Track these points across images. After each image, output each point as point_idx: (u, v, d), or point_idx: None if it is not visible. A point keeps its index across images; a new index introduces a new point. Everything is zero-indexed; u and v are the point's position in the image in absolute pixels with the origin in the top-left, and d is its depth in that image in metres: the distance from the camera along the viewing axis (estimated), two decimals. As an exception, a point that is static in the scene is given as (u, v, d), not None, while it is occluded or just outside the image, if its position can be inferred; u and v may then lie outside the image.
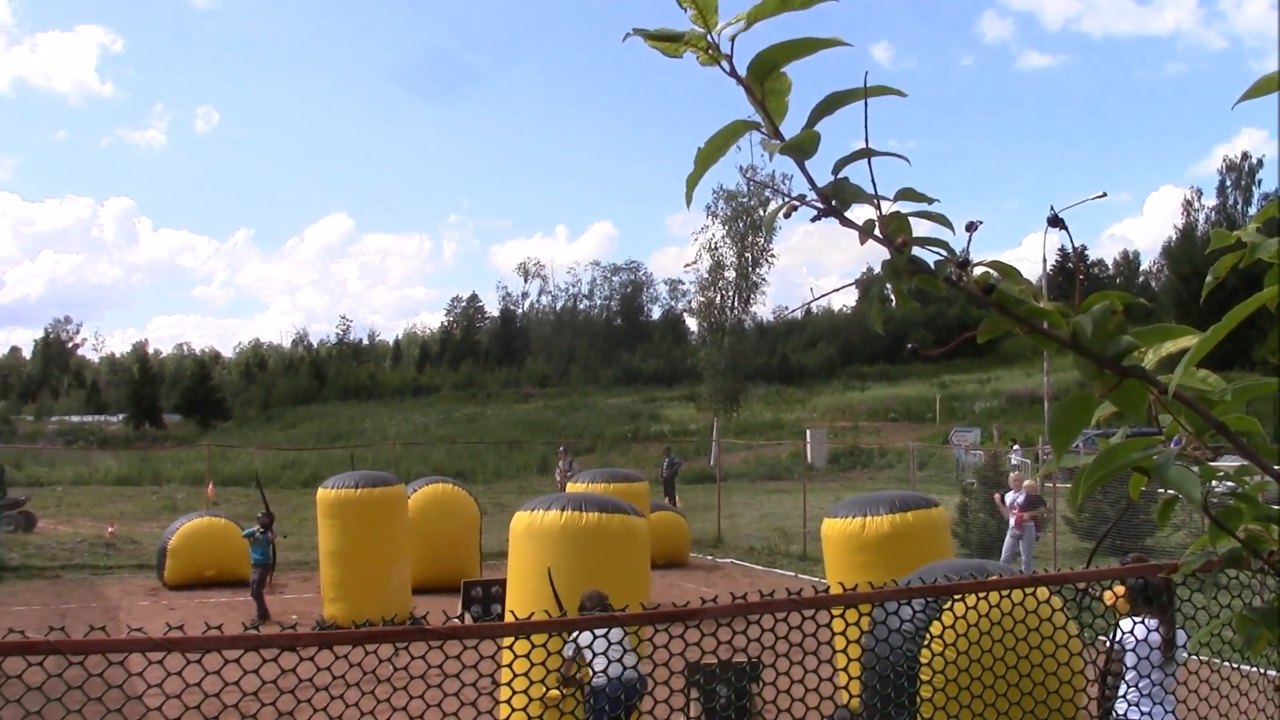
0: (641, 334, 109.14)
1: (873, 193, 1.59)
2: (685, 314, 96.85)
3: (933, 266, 1.61)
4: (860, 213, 1.62)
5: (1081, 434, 1.69)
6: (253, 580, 16.75)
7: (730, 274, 53.60)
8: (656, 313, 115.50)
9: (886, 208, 1.59)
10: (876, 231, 1.60)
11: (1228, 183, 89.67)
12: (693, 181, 1.68)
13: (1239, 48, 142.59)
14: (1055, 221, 1.68)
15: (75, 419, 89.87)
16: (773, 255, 54.42)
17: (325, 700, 4.30)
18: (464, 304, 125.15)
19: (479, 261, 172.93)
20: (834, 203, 1.60)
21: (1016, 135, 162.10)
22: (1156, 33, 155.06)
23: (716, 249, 53.48)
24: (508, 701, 4.75)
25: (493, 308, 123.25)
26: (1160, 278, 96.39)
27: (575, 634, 7.84)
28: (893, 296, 1.70)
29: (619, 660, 7.55)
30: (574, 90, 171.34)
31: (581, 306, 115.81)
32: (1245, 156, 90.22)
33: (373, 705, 4.38)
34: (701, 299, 55.12)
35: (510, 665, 4.52)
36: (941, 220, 1.61)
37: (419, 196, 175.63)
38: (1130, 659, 6.17)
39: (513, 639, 4.35)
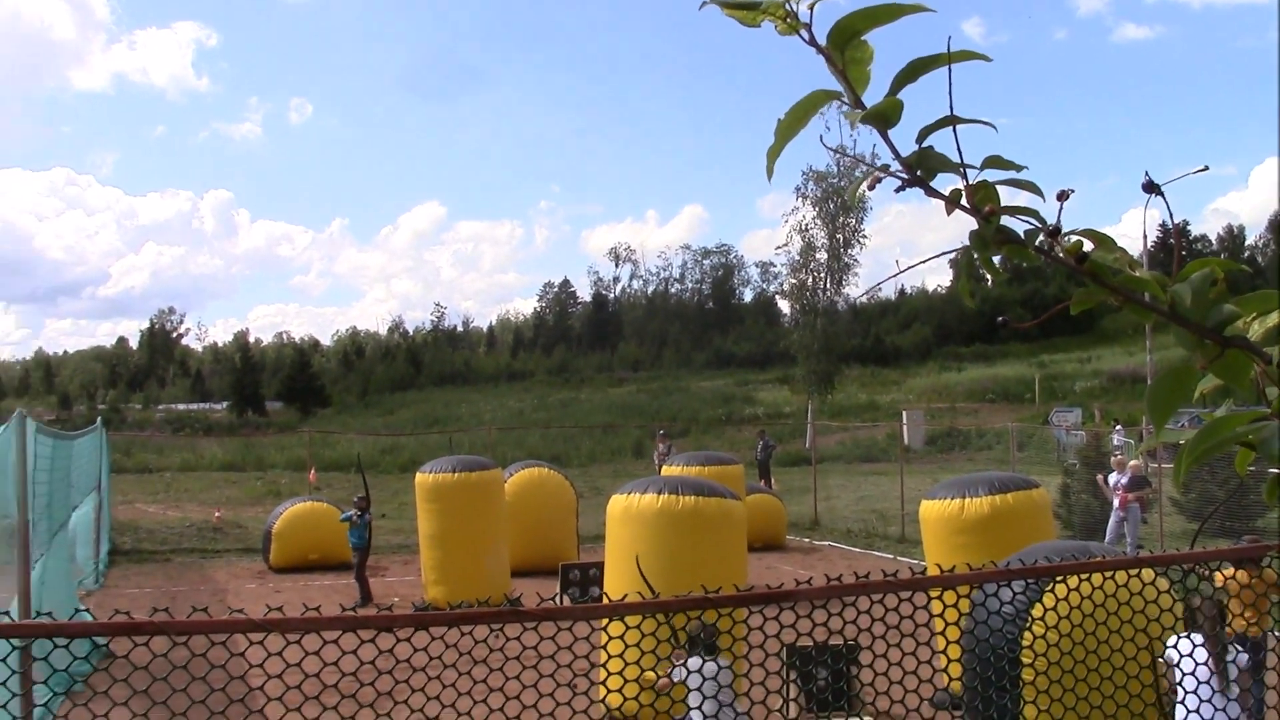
0: (733, 317, 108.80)
1: (959, 161, 1.55)
2: (777, 296, 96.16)
3: (1022, 236, 1.57)
4: (946, 183, 1.58)
5: (1184, 411, 1.63)
6: (355, 564, 17.05)
7: (822, 255, 53.18)
8: (748, 295, 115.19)
9: (973, 177, 1.56)
10: (963, 201, 1.57)
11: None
12: (773, 154, 1.65)
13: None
14: (1151, 187, 1.62)
15: (181, 407, 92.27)
16: (864, 236, 53.93)
17: (423, 681, 4.35)
18: (556, 289, 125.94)
19: (570, 247, 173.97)
20: (919, 173, 1.57)
21: (1113, 110, 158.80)
22: (1257, 1, 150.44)
23: (807, 230, 53.11)
24: (603, 683, 4.77)
25: (585, 293, 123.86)
26: (1266, 252, 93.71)
27: (682, 663, 7.86)
28: (982, 269, 1.66)
29: (731, 706, 7.56)
30: (665, 73, 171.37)
31: (673, 290, 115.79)
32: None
33: (470, 686, 4.42)
34: (793, 281, 54.73)
35: (606, 646, 4.53)
36: (1031, 188, 1.57)
37: (510, 183, 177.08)
38: (1187, 681, 5.80)
39: (608, 620, 4.36)
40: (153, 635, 3.79)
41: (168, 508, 30.82)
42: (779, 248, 54.62)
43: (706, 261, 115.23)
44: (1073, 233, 1.57)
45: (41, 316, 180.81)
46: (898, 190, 1.59)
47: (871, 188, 1.63)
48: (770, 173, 1.67)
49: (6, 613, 7.38)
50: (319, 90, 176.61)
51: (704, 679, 7.77)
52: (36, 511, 8.94)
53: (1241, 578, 7.09)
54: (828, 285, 53.31)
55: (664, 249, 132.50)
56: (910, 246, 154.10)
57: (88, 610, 14.92)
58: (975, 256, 1.60)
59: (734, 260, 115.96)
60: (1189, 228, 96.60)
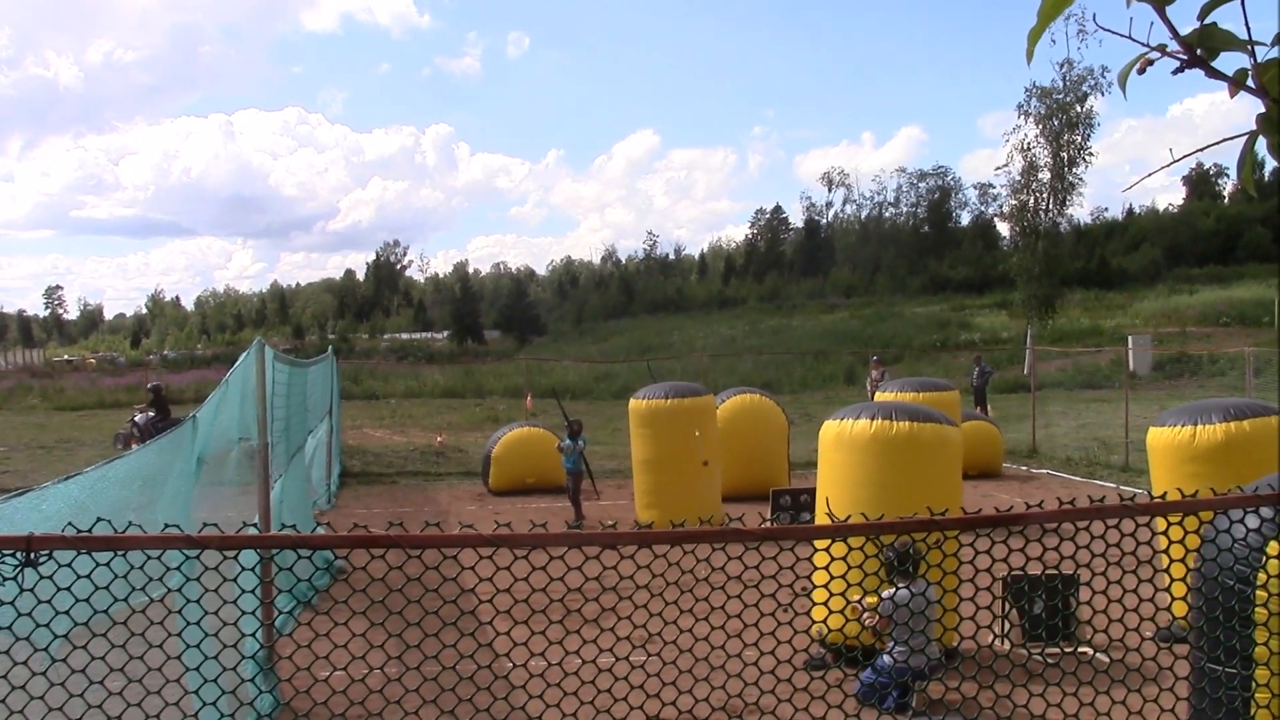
0: (950, 241, 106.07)
1: (1246, 39, 1.42)
2: (996, 218, 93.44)
3: (1317, 119, 1.42)
4: (1230, 65, 1.45)
5: None
6: (569, 487, 17.44)
7: (1044, 175, 51.34)
8: (965, 219, 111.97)
9: (1263, 55, 1.42)
10: (1250, 82, 1.43)
11: None
12: (1035, 35, 1.54)
13: None
14: None
15: (405, 336, 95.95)
16: (1091, 154, 51.79)
17: (645, 598, 4.39)
18: (768, 216, 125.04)
19: (784, 172, 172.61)
20: (1199, 52, 1.44)
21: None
22: None
23: (1029, 150, 51.29)
24: (825, 604, 4.73)
25: (797, 219, 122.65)
26: None
27: (894, 592, 7.79)
28: (1270, 154, 1.51)
29: (923, 633, 7.49)
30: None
31: (887, 215, 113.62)
32: None
33: (691, 604, 4.45)
34: (1014, 202, 53.09)
35: (828, 567, 4.48)
36: (1329, 65, 1.42)
37: (724, 110, 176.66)
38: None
39: (830, 542, 4.31)
40: (388, 549, 3.92)
41: (393, 433, 32.07)
42: (999, 168, 52.91)
43: (922, 184, 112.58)
44: (1376, 113, 1.42)
45: (276, 250, 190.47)
46: (1175, 72, 1.47)
47: (1143, 70, 1.50)
48: (1030, 55, 1.57)
49: (253, 524, 7.79)
50: (537, 23, 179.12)
51: (897, 606, 7.70)
52: (275, 434, 9.38)
53: None
54: (1050, 206, 51.50)
55: (879, 172, 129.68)
56: (1141, 164, 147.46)
57: (326, 525, 15.72)
58: (1264, 142, 1.47)
59: (951, 182, 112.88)
60: None
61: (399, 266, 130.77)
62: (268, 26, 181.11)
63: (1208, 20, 1.42)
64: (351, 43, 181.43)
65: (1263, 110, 1.44)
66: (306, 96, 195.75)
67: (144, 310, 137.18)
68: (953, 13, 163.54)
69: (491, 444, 21.15)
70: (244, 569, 4.28)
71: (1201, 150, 1.70)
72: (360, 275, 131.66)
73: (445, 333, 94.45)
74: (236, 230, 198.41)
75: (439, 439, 28.33)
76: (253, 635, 4.89)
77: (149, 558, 3.91)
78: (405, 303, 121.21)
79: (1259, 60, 1.40)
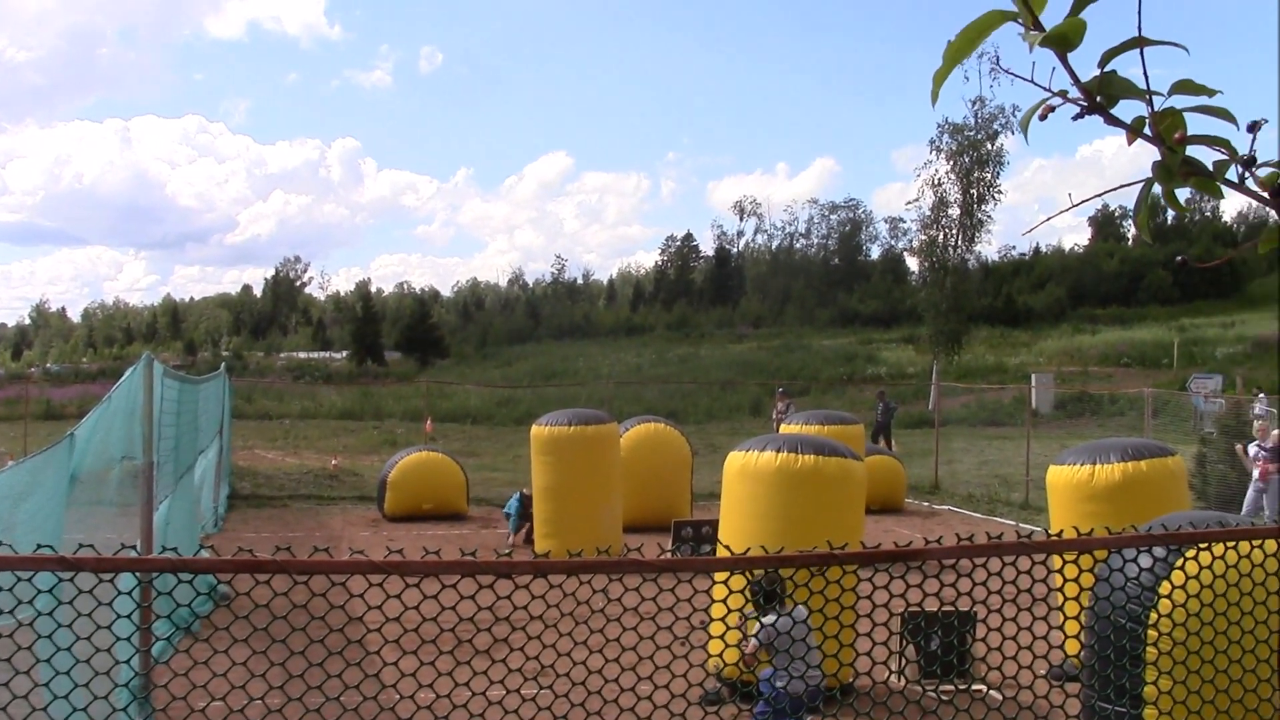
0: (859, 274, 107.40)
1: (1144, 87, 1.42)
2: (906, 253, 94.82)
3: (1211, 168, 1.43)
4: (1128, 112, 1.46)
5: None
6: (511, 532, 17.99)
7: (954, 211, 52.26)
8: (875, 252, 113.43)
9: (1160, 104, 1.42)
10: (1147, 129, 1.43)
11: None
12: (940, 77, 1.53)
13: None
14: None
15: (302, 355, 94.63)
16: (1000, 191, 52.85)
17: (539, 629, 4.32)
18: (679, 243, 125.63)
19: (696, 199, 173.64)
20: (1099, 99, 1.44)
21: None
22: None
23: (940, 185, 52.20)
24: (720, 637, 4.69)
25: (708, 247, 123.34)
26: None
27: (775, 619, 7.77)
28: (1165, 201, 1.51)
29: (803, 659, 7.50)
30: (801, 21, 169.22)
31: (798, 245, 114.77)
32: None
33: (586, 636, 4.38)
34: (923, 237, 53.93)
35: (725, 601, 4.45)
36: (1224, 115, 1.43)
37: (639, 134, 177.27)
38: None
39: (729, 575, 4.28)
40: (274, 574, 3.81)
41: (286, 454, 31.53)
42: (910, 203, 54.10)
43: (834, 216, 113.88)
44: (1268, 164, 1.44)
45: (170, 263, 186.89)
46: (1075, 118, 1.47)
47: (1045, 116, 1.50)
48: (935, 97, 1.56)
49: (133, 547, 7.56)
50: (450, 39, 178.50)
51: (779, 634, 7.71)
52: (163, 454, 9.14)
53: None
54: (959, 242, 52.40)
55: (790, 203, 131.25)
56: (1049, 204, 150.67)
57: (210, 548, 15.34)
58: (1157, 190, 1.47)
59: (862, 215, 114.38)
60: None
61: (299, 283, 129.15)
62: (169, 31, 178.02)
63: (1108, 68, 1.42)
64: (257, 51, 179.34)
65: (1158, 158, 1.44)
66: (208, 105, 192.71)
67: (27, 321, 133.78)
68: (869, 46, 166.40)
69: (388, 468, 20.86)
70: (121, 593, 4.12)
71: (1100, 195, 1.70)
72: (258, 291, 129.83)
73: (344, 353, 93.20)
74: (129, 240, 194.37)
75: (334, 462, 27.91)
76: (127, 662, 4.72)
77: (19, 579, 3.76)
78: (304, 321, 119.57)
79: (1155, 109, 1.40)
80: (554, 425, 16.43)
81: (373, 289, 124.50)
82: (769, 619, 7.82)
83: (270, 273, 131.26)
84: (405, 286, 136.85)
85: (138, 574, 4.96)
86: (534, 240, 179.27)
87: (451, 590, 4.17)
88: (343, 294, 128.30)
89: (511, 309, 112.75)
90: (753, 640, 7.88)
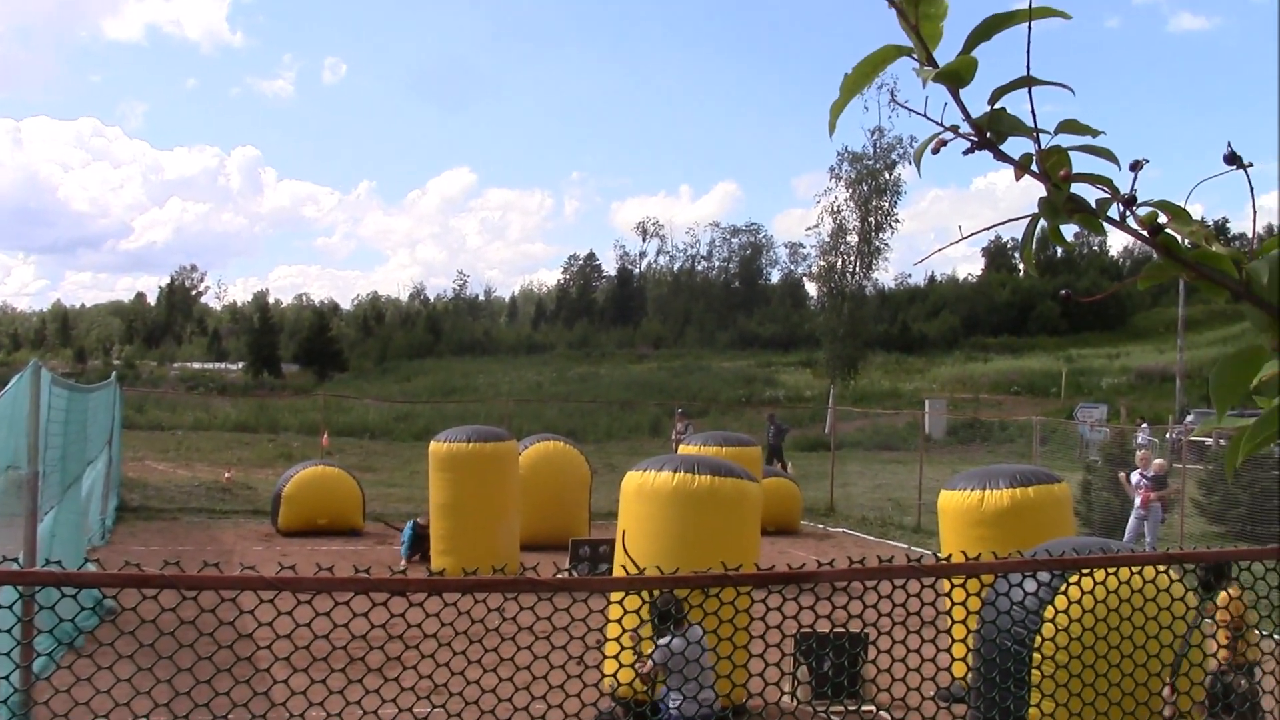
0: (759, 297, 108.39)
1: (1032, 125, 1.47)
2: (805, 278, 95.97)
3: (1094, 205, 1.49)
4: (1017, 149, 1.51)
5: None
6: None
7: (853, 238, 52.98)
8: (775, 276, 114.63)
9: (1046, 141, 1.48)
10: (1034, 166, 1.49)
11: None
12: (837, 109, 1.57)
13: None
14: (1233, 159, 1.53)
15: (197, 365, 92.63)
16: (897, 220, 53.73)
17: (433, 647, 4.29)
18: (581, 262, 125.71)
19: (599, 219, 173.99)
20: (989, 135, 1.49)
21: (1163, 101, 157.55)
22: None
23: (839, 212, 52.90)
24: (615, 657, 4.70)
25: (610, 267, 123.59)
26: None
27: (670, 640, 7.80)
28: (1049, 236, 1.57)
29: (696, 680, 7.54)
30: (706, 47, 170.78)
31: (699, 268, 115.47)
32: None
33: (480, 654, 4.36)
34: (822, 263, 54.59)
35: (621, 621, 4.46)
36: (1107, 155, 1.49)
37: (544, 152, 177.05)
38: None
39: (624, 595, 4.29)
40: (161, 589, 3.73)
41: (178, 466, 30.88)
42: (809, 229, 54.50)
43: (735, 240, 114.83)
44: (1147, 203, 1.50)
45: (61, 268, 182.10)
46: (966, 153, 1.51)
47: (937, 150, 1.54)
48: (833, 128, 1.59)
49: (15, 560, 7.36)
50: (355, 50, 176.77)
51: (673, 654, 7.74)
52: (49, 464, 8.91)
53: (1222, 599, 6.79)
54: (857, 269, 53.13)
55: (692, 225, 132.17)
56: (945, 234, 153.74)
57: (96, 561, 14.94)
58: (1043, 225, 1.52)
59: (762, 240, 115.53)
60: (1228, 225, 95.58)
61: (194, 292, 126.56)
62: (65, 31, 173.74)
63: (997, 105, 1.47)
64: (156, 55, 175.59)
65: (1044, 194, 1.50)
66: (104, 108, 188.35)
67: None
68: (774, 73, 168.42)
69: (283, 482, 20.52)
70: (2, 606, 4.01)
71: (988, 229, 1.75)
72: (152, 299, 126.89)
73: (240, 364, 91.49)
74: (18, 244, 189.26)
75: (227, 475, 27.36)
76: (7, 678, 4.59)
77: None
78: (199, 331, 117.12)
79: (1042, 147, 1.46)
80: (452, 442, 16.31)
81: (271, 300, 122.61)
82: (665, 639, 7.84)
83: (165, 281, 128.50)
84: (304, 298, 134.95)
85: (19, 587, 4.82)
86: (436, 255, 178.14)
87: (344, 607, 4.12)
88: (240, 304, 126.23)
89: (412, 324, 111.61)
90: (649, 660, 7.89)
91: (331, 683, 4.25)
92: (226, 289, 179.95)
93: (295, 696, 4.09)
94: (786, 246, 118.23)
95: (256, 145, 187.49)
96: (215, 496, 24.62)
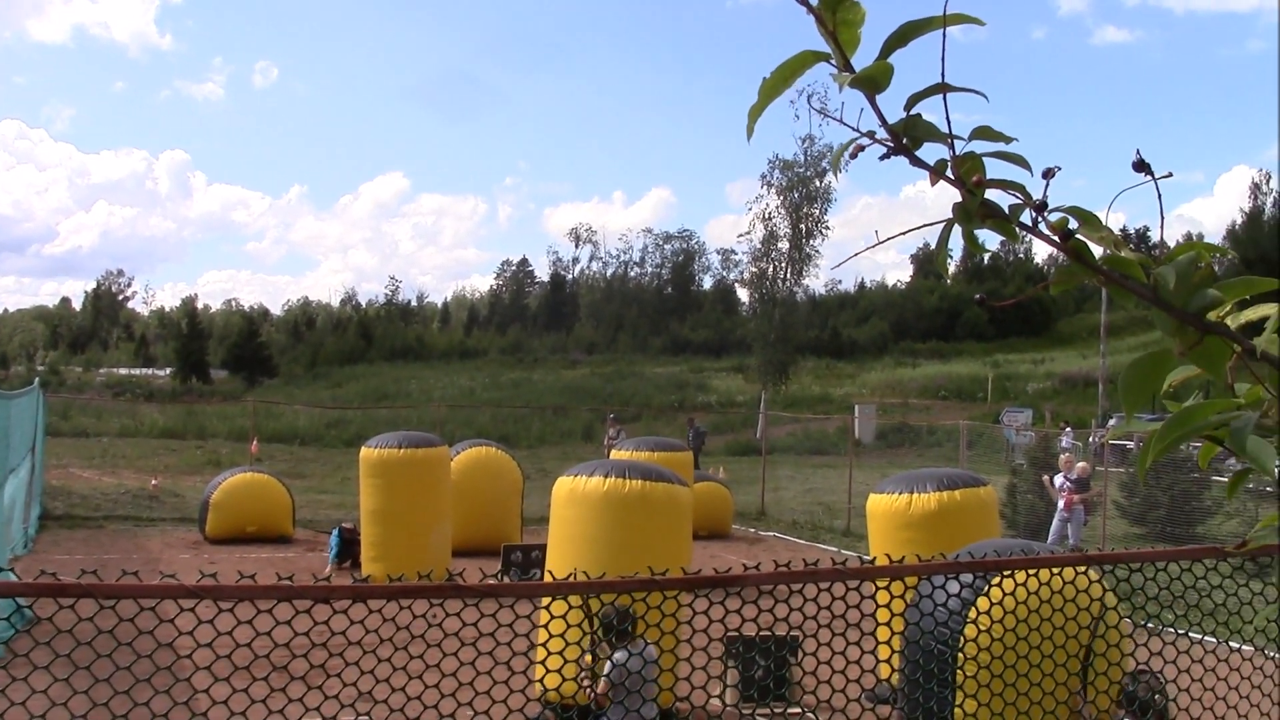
0: (691, 303, 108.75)
1: (947, 131, 1.49)
2: (737, 284, 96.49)
3: (1007, 211, 1.51)
4: (932, 154, 1.52)
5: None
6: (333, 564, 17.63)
7: (784, 245, 53.32)
8: (708, 282, 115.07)
9: (961, 147, 1.49)
10: (949, 172, 1.50)
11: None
12: (755, 113, 1.58)
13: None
14: (1141, 166, 1.56)
15: (123, 371, 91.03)
16: (828, 227, 54.13)
17: (359, 655, 4.25)
18: (514, 268, 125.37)
19: (533, 225, 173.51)
20: (905, 140, 1.50)
21: (1087, 112, 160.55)
22: (1238, 9, 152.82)
23: (770, 219, 53.21)
24: (543, 663, 4.69)
25: (543, 272, 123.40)
26: (1224, 262, 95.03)
27: (625, 658, 7.78)
28: (964, 240, 1.59)
29: (639, 693, 7.54)
30: (640, 53, 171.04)
31: (632, 274, 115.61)
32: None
33: (406, 662, 4.33)
34: (754, 269, 54.88)
35: (547, 626, 4.45)
36: (1019, 161, 1.51)
37: (477, 157, 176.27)
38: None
39: (550, 600, 4.28)
40: (79, 598, 3.67)
41: (103, 474, 30.31)
42: (741, 235, 54.95)
43: (668, 246, 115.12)
44: (1059, 209, 1.52)
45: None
46: (882, 158, 1.53)
47: (854, 155, 1.55)
48: (750, 132, 1.60)
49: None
50: (286, 54, 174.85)
51: (614, 666, 7.73)
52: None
53: None
54: (788, 275, 53.49)
55: (626, 231, 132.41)
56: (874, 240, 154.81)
57: (12, 571, 14.63)
58: (957, 229, 1.54)
59: (695, 246, 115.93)
60: (1149, 233, 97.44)
61: (121, 297, 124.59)
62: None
63: (913, 111, 1.49)
64: (83, 57, 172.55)
65: (959, 200, 1.52)
66: (29, 110, 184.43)
67: None
68: (706, 80, 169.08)
69: (211, 489, 20.24)
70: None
71: (903, 234, 1.77)
72: (77, 304, 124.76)
73: (168, 370, 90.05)
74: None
75: (154, 482, 26.93)
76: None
77: None
78: (126, 336, 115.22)
79: (956, 153, 1.48)
80: (384, 448, 16.19)
81: (200, 305, 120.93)
82: (620, 656, 7.81)
83: (91, 286, 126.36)
84: (234, 304, 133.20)
85: (-69, 598, 4.72)
86: (368, 261, 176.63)
87: (268, 615, 4.07)
88: (168, 310, 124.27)
89: (343, 329, 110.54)
90: (604, 679, 7.85)
91: (255, 692, 4.20)
92: (154, 294, 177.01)
93: (217, 706, 4.03)
94: (719, 253, 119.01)
95: (186, 149, 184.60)
96: (142, 504, 24.21)
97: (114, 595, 3.64)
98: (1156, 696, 5.67)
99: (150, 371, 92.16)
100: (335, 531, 17.86)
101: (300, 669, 4.42)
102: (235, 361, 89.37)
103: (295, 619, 4.10)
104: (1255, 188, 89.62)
